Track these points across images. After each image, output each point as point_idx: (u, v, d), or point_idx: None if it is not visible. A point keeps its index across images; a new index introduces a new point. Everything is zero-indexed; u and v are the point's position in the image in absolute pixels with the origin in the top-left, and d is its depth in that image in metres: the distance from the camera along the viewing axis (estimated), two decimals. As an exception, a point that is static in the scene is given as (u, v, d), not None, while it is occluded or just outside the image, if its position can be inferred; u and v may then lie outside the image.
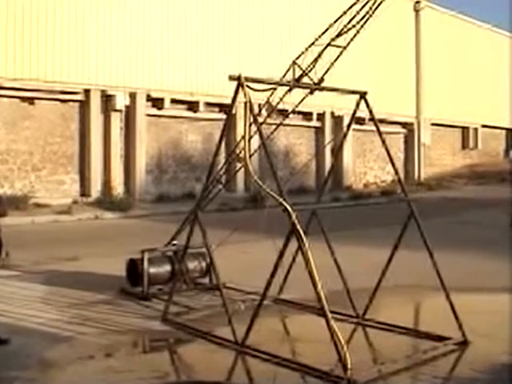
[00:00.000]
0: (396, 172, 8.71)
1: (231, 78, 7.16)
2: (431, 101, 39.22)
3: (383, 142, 8.53)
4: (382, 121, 35.84)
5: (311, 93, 8.38)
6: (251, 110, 7.03)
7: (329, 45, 7.86)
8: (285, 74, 8.40)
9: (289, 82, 7.80)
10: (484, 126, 44.72)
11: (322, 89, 8.15)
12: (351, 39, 7.81)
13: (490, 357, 7.21)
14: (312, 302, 9.03)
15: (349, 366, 6.18)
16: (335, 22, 7.98)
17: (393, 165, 8.61)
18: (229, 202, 23.98)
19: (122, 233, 18.30)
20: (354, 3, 7.69)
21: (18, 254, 13.16)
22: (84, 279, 11.12)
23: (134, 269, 10.03)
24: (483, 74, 44.24)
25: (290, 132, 31.24)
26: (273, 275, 6.91)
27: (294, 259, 9.06)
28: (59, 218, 20.63)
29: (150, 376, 6.49)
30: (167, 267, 10.09)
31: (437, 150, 41.39)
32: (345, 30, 7.77)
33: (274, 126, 9.74)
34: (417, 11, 39.32)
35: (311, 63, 8.18)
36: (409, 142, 39.23)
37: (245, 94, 7.03)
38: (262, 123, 7.30)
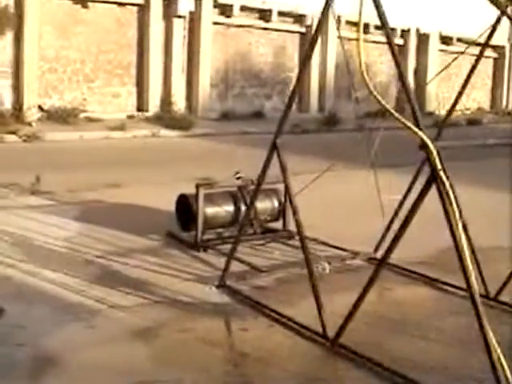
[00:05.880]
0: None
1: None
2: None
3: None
4: (468, 42, 32.77)
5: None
6: None
7: None
8: None
9: None
10: None
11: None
12: None
13: None
14: (419, 266, 6.72)
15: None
16: None
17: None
18: (301, 123, 21.61)
19: (180, 154, 16.06)
20: None
21: (55, 176, 11.17)
22: (125, 215, 8.94)
23: (186, 208, 7.74)
24: None
25: (369, 49, 28.37)
26: (400, 233, 4.37)
27: (397, 211, 6.76)
28: (111, 134, 18.55)
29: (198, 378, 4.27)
30: (229, 207, 7.78)
31: (530, 77, 37.93)
32: None
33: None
34: None
35: None
36: (498, 66, 35.86)
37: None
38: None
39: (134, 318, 5.30)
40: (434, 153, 3.90)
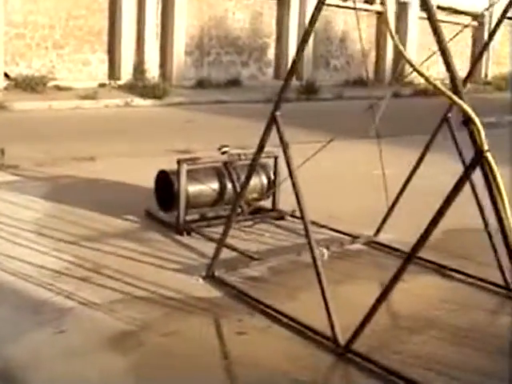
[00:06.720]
0: None
1: None
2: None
3: None
4: (448, 9, 32.12)
5: None
6: None
7: None
8: None
9: None
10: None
11: None
12: None
13: None
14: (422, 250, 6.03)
15: None
16: None
17: None
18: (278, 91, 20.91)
19: (155, 125, 15.29)
20: None
21: (22, 149, 10.38)
22: (99, 192, 8.20)
23: (166, 186, 6.98)
24: None
25: (348, 16, 27.61)
26: (436, 220, 3.61)
27: (403, 188, 6.14)
28: (82, 103, 17.69)
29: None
30: (214, 185, 7.04)
31: (507, 47, 37.32)
32: None
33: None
34: None
35: None
36: (478, 36, 35.25)
37: None
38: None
39: (110, 318, 4.56)
40: (482, 130, 3.20)
